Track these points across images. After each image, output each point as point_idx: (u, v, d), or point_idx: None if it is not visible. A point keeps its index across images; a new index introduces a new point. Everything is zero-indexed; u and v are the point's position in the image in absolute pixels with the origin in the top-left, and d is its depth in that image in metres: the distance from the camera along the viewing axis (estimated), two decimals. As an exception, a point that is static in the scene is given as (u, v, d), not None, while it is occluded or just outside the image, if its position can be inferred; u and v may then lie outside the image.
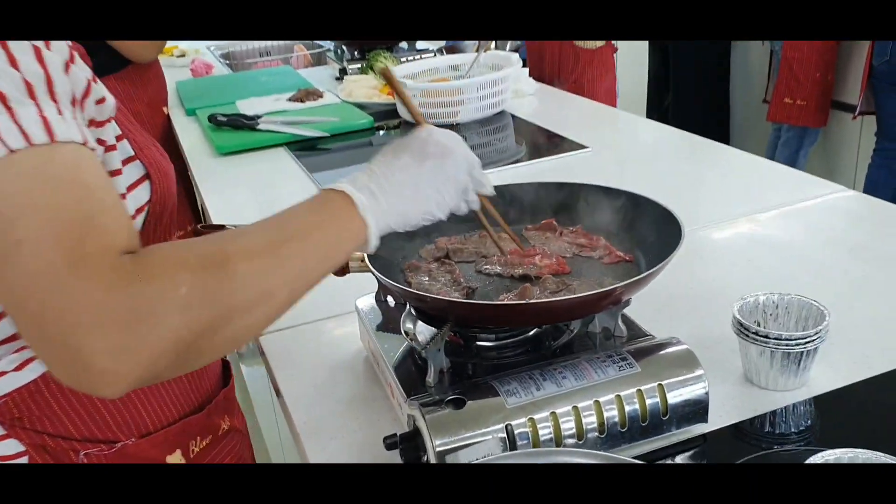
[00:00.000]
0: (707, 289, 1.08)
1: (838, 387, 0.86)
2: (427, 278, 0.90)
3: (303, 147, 1.87)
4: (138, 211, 0.74)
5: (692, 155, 1.66)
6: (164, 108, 2.27)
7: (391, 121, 2.04)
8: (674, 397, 0.77)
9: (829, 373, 0.89)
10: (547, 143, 1.84)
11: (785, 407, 0.84)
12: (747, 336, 0.85)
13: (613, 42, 2.41)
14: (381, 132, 2.00)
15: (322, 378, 0.93)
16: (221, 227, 0.86)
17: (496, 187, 0.88)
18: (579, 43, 2.36)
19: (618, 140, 1.80)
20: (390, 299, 0.97)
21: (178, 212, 2.26)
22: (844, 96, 3.14)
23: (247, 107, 2.14)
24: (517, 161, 1.69)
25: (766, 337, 0.83)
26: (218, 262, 0.57)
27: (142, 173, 0.74)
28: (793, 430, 0.82)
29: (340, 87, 2.31)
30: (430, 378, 0.79)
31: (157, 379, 0.55)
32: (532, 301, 0.77)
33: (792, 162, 3.22)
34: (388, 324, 0.93)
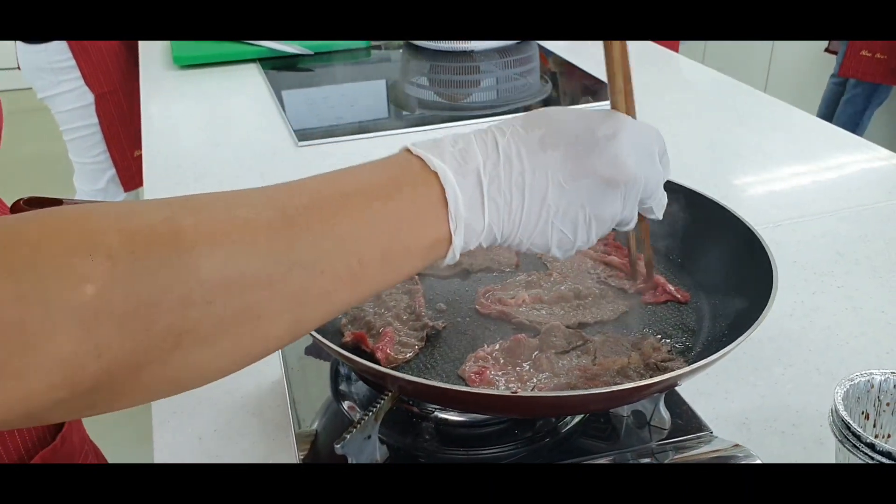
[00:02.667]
0: (778, 330, 0.76)
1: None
2: (373, 302, 0.59)
3: (279, 65, 1.53)
4: None
5: (759, 118, 1.31)
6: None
7: (394, 41, 1.69)
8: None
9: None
10: (578, 85, 1.49)
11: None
12: (856, 448, 0.54)
13: None
14: (380, 52, 1.65)
15: (216, 424, 0.64)
16: (57, 203, 0.55)
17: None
18: None
19: (667, 90, 1.44)
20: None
21: (132, 133, 1.94)
22: (928, 52, 2.72)
23: (224, 9, 1.79)
24: (537, 106, 1.36)
25: (890, 457, 0.53)
26: (164, 241, 0.31)
27: None
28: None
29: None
30: (352, 481, 0.50)
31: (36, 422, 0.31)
32: (518, 395, 0.47)
33: (855, 123, 2.83)
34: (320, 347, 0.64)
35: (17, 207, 0.54)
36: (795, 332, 0.76)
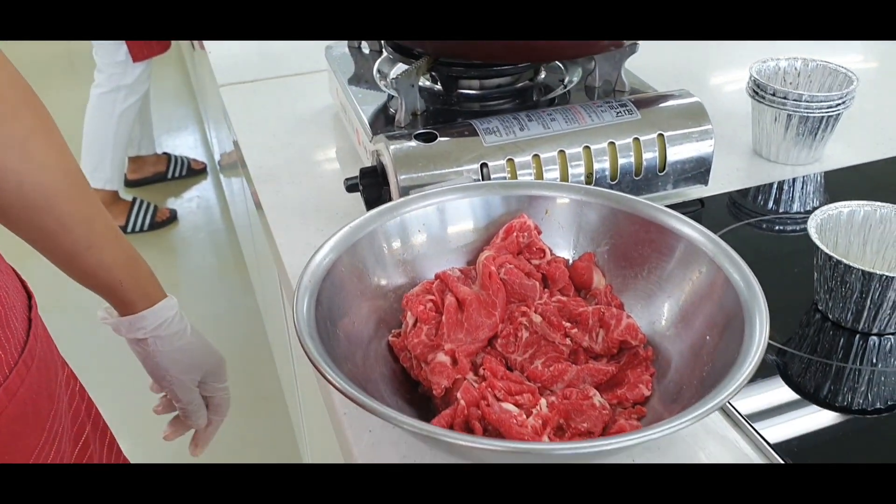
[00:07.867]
0: (725, 60, 0.97)
1: (854, 163, 0.78)
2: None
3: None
4: None
5: None
6: None
7: None
8: (675, 153, 0.68)
9: (847, 151, 0.80)
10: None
11: (793, 178, 0.76)
12: (763, 98, 0.75)
13: None
14: None
15: (283, 128, 0.84)
16: None
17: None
18: None
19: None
20: (365, 46, 0.85)
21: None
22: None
23: None
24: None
25: (785, 98, 0.73)
26: None
27: None
28: (797, 206, 0.74)
29: None
30: (401, 117, 0.70)
31: None
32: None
33: None
34: (362, 75, 0.83)
35: None
36: (737, 60, 0.96)
